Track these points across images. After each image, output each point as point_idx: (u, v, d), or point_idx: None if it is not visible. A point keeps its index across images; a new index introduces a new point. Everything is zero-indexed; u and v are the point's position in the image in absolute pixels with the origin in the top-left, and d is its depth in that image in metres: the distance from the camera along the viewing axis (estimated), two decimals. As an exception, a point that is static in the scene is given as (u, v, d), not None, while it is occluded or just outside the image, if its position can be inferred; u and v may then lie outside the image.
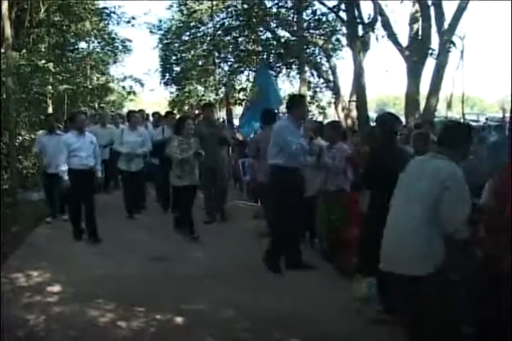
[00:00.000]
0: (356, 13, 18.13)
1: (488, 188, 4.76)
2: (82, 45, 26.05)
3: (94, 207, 9.35)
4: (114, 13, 24.20)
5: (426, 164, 4.19)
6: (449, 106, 22.82)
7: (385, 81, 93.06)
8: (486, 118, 30.41)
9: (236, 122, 18.43)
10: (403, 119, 13.86)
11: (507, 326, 3.98)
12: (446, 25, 17.42)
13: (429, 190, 3.97)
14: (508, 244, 3.98)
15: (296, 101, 7.75)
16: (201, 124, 11.09)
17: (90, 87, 25.24)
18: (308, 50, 22.50)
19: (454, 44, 17.08)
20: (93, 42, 26.48)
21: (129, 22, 24.81)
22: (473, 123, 26.59)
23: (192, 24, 26.50)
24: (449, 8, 17.73)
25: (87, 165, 9.25)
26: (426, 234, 3.99)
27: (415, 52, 17.60)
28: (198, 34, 26.49)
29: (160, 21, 31.14)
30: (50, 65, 16.09)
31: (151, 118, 15.44)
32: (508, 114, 20.03)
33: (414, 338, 4.22)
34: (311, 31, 22.10)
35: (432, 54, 17.44)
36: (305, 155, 7.45)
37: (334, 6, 19.11)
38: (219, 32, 23.13)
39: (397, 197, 4.35)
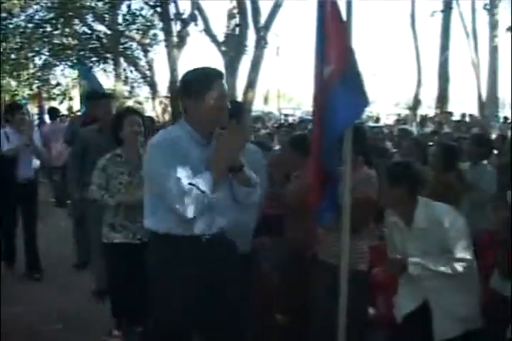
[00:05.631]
0: (174, 8, 18.19)
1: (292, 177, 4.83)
2: None
3: None
4: None
5: None
6: (265, 100, 23.57)
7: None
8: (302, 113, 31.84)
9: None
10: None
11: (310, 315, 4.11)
12: (262, 21, 17.96)
13: None
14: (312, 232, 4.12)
15: (200, 87, 3.20)
16: None
17: None
18: (125, 45, 22.21)
19: (266, 41, 17.64)
20: None
21: None
22: (290, 117, 27.84)
23: (2, 15, 25.22)
24: (266, 6, 18.32)
25: None
26: None
27: (232, 48, 17.96)
28: (10, 26, 25.25)
29: (-33, 12, 29.44)
30: None
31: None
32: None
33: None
34: (128, 25, 21.84)
35: (244, 50, 17.93)
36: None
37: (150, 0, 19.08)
38: (31, 24, 22.18)
39: None
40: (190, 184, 2.99)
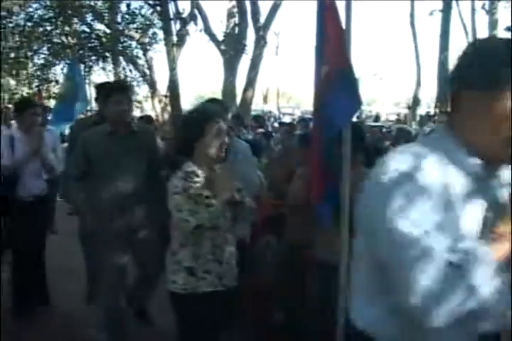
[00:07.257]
0: (174, 7, 18.20)
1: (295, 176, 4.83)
2: None
3: None
4: None
5: None
6: (265, 99, 23.54)
7: (205, 75, 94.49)
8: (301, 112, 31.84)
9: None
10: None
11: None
12: (262, 21, 18.01)
13: None
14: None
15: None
16: None
17: None
18: (124, 44, 22.22)
19: (266, 41, 17.68)
20: None
21: None
22: (289, 116, 27.85)
23: (1, 14, 25.20)
24: (265, 5, 18.46)
25: None
26: None
27: (231, 47, 17.98)
28: (10, 25, 25.23)
29: (-35, 11, 29.39)
30: None
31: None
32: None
33: None
34: (127, 24, 21.86)
35: (243, 49, 17.95)
36: None
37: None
38: (31, 23, 22.19)
39: None
40: (450, 263, 1.46)
